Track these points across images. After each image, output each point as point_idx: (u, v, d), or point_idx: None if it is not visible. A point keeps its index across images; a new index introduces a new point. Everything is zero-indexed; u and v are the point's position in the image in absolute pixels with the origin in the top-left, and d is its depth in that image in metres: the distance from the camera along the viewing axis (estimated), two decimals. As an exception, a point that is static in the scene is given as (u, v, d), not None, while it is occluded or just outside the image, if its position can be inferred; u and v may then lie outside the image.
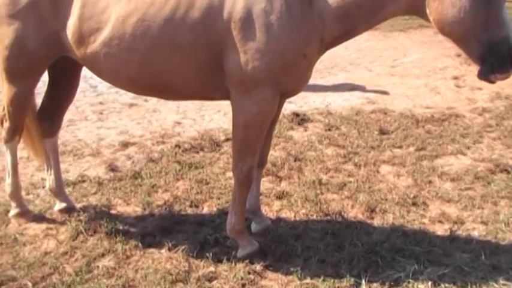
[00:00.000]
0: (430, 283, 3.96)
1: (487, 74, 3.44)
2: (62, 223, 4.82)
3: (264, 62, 3.64)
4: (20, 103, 4.52)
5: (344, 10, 3.64)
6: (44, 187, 5.40)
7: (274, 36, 3.60)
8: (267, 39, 3.60)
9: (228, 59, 3.73)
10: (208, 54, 3.77)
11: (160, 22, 3.78)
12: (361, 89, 9.56)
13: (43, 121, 4.86)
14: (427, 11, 3.49)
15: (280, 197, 5.32)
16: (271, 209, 5.10)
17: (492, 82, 3.53)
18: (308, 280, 4.04)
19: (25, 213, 4.89)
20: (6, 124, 4.65)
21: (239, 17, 3.62)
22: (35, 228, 4.77)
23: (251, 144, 3.97)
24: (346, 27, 3.76)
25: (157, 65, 3.89)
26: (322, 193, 5.37)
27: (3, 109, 4.65)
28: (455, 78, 9.98)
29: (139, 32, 3.82)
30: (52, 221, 4.90)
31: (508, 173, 5.84)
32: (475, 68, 3.31)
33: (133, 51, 3.88)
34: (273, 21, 3.60)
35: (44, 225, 4.81)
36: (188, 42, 3.76)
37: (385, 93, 9.24)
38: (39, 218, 4.94)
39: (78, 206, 5.07)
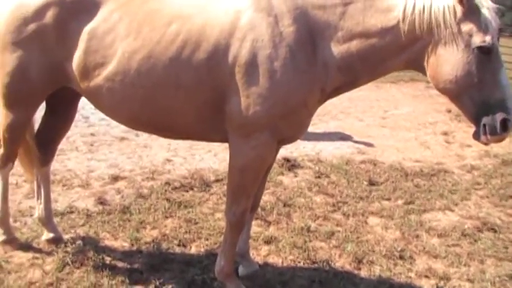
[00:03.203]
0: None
1: (480, 134, 3.43)
2: (49, 253, 4.78)
3: (266, 107, 3.63)
4: (16, 131, 4.49)
5: (348, 61, 3.66)
6: (31, 215, 5.38)
7: (278, 82, 3.60)
8: (270, 85, 3.60)
9: (230, 102, 3.72)
10: (211, 95, 3.76)
11: (166, 61, 3.76)
12: (351, 138, 9.65)
13: (37, 149, 4.84)
14: (426, 66, 3.53)
15: (268, 241, 5.30)
16: (258, 253, 5.08)
17: (485, 143, 3.52)
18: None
19: (12, 241, 4.85)
20: (0, 150, 4.62)
21: (244, 61, 3.62)
22: (21, 256, 4.73)
23: (246, 188, 3.96)
24: (348, 79, 3.77)
25: (159, 102, 3.87)
26: (310, 240, 5.36)
27: (-2, 135, 4.63)
28: (445, 133, 10.08)
29: (144, 68, 3.80)
30: (39, 250, 4.85)
31: (495, 231, 5.86)
32: (465, 125, 3.38)
33: (136, 87, 3.85)
34: (277, 68, 3.59)
35: (30, 254, 4.77)
36: (192, 82, 3.74)
37: (374, 144, 9.32)
38: (26, 246, 4.90)
39: (65, 237, 5.03)
